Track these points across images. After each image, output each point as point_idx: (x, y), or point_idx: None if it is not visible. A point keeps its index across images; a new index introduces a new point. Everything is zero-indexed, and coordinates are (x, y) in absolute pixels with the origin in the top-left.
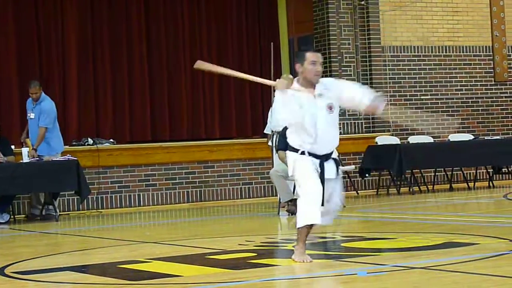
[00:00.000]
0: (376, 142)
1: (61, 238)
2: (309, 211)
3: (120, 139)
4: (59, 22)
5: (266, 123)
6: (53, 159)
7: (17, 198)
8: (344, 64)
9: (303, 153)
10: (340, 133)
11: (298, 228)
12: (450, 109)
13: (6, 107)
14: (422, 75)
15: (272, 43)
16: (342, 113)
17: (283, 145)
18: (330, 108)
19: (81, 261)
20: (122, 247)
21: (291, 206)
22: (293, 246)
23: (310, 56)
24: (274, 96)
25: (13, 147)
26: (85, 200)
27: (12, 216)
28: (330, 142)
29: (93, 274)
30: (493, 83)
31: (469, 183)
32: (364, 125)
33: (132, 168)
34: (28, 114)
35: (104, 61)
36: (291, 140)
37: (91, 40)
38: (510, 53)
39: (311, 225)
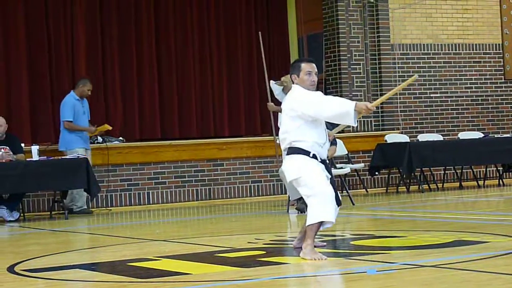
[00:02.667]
0: (386, 140)
1: (71, 236)
2: (323, 209)
3: (129, 137)
4: (68, 20)
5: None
6: (62, 157)
7: (26, 196)
8: (354, 62)
9: (314, 156)
10: (349, 131)
11: (309, 225)
12: (459, 107)
13: (16, 106)
14: (432, 73)
15: (260, 33)
16: None
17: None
18: None
19: (91, 259)
20: (132, 245)
21: (301, 204)
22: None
23: (305, 66)
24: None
25: (22, 145)
26: (95, 198)
27: (22, 214)
28: (328, 147)
29: (102, 272)
30: (503, 81)
31: (478, 181)
32: (373, 123)
33: (142, 166)
34: (83, 111)
35: (113, 59)
36: (301, 143)
37: (100, 39)
38: None
39: (321, 223)
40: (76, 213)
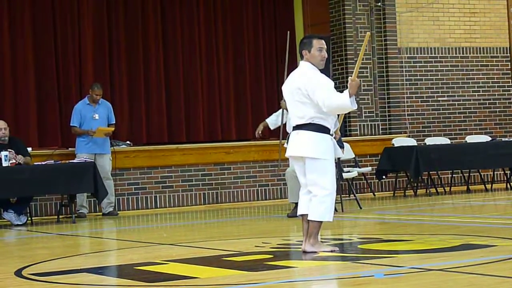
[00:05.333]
0: (393, 144)
1: (78, 240)
2: (331, 209)
3: (136, 141)
4: (75, 24)
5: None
6: (69, 161)
7: (34, 200)
8: (361, 65)
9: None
10: (357, 135)
11: (320, 221)
12: (467, 110)
13: (23, 110)
14: (439, 77)
15: (288, 32)
16: (358, 114)
17: None
18: None
19: (98, 262)
20: (139, 248)
21: (295, 210)
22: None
23: (316, 43)
24: None
25: (30, 149)
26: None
27: (29, 218)
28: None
29: (110, 275)
30: (510, 84)
31: (486, 185)
32: (380, 127)
33: (149, 170)
34: (93, 116)
35: (120, 63)
36: (323, 121)
37: (108, 43)
38: None
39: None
40: (104, 214)
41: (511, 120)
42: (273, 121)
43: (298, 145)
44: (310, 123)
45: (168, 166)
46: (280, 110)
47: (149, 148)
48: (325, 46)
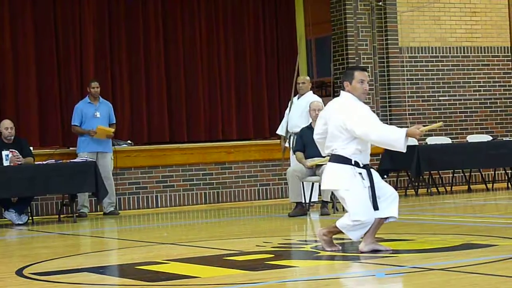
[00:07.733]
0: None
1: (79, 239)
2: (354, 232)
3: (137, 141)
4: (76, 23)
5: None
6: (70, 161)
7: (35, 200)
8: (362, 65)
9: (356, 163)
10: None
11: (339, 227)
12: (468, 110)
13: (25, 109)
14: (440, 76)
15: (298, 57)
16: None
17: (300, 147)
18: None
19: (99, 262)
20: (140, 248)
21: (296, 210)
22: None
23: (358, 75)
24: (292, 98)
25: (31, 148)
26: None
27: (30, 218)
28: (369, 152)
29: (111, 275)
30: (511, 83)
31: (487, 184)
32: None
33: (150, 170)
34: (94, 114)
35: (121, 62)
36: (342, 151)
37: (108, 41)
38: None
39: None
40: (105, 214)
41: None
42: (284, 129)
43: (324, 177)
44: (333, 154)
45: (169, 165)
46: (285, 116)
47: (150, 147)
48: (368, 78)
